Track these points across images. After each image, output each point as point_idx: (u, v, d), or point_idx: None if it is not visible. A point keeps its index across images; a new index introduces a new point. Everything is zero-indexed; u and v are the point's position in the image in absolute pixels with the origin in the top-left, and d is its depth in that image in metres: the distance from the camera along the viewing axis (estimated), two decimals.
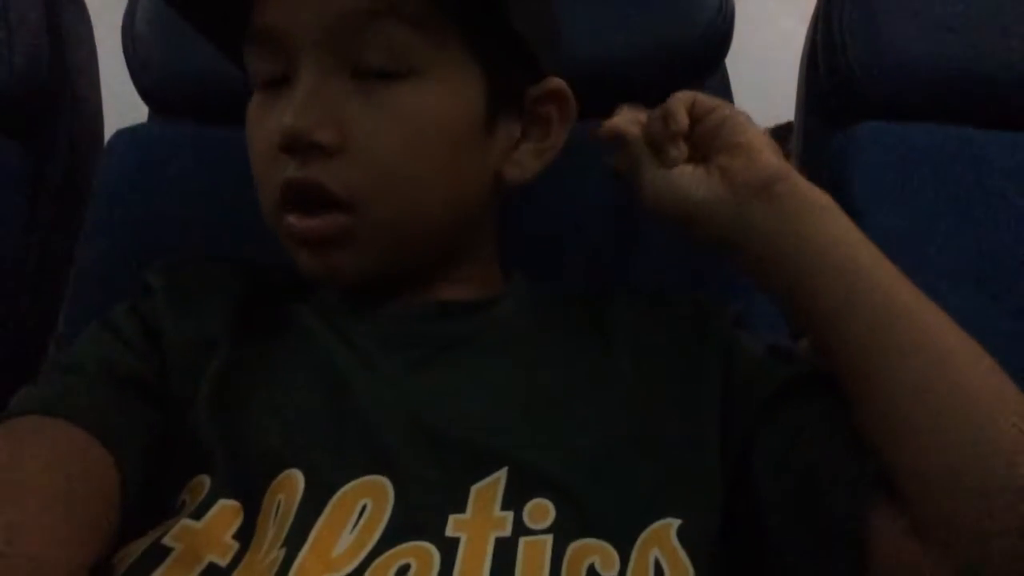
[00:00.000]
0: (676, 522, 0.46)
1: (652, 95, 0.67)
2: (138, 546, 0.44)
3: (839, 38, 0.81)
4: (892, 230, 0.73)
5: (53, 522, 0.40)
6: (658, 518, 0.46)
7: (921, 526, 0.42)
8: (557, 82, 0.57)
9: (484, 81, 0.53)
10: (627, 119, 0.57)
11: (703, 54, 0.75)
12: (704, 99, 0.55)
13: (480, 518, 0.44)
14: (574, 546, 0.44)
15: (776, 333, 0.69)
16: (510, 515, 0.44)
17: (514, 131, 0.57)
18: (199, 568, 0.42)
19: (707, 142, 0.54)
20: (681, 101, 0.54)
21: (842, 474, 0.45)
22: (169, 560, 0.42)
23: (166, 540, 0.43)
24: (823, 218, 0.49)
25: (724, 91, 0.85)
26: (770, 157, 0.51)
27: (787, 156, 0.72)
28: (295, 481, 0.45)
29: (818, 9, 0.88)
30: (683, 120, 0.54)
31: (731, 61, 0.82)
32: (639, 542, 0.45)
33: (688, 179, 0.53)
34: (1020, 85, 0.80)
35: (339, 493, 0.44)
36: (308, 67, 0.50)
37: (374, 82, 0.50)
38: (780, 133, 1.78)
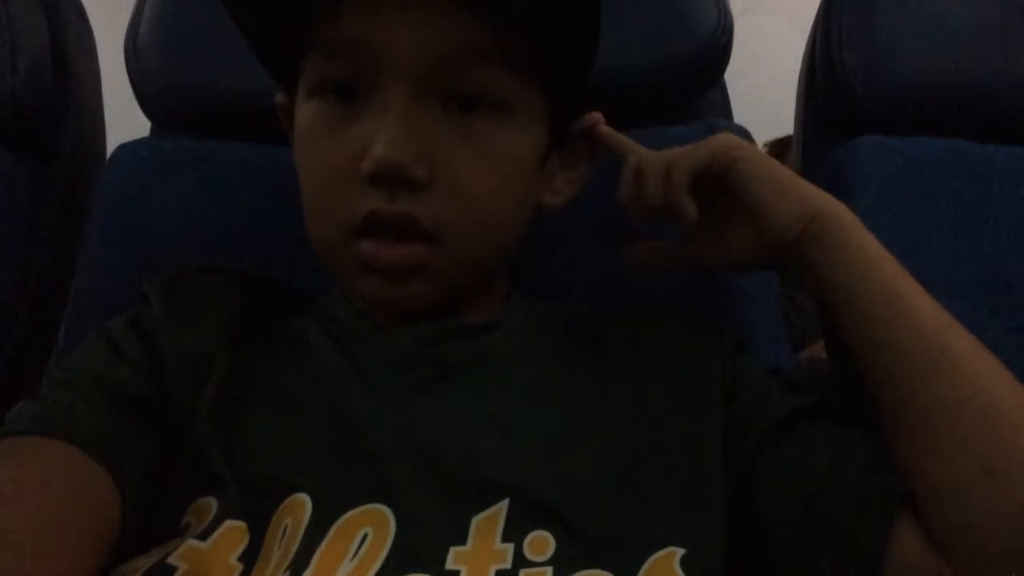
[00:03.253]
0: (679, 551, 0.46)
1: (653, 110, 0.68)
2: (142, 563, 0.43)
3: (838, 52, 0.82)
4: (891, 243, 0.73)
5: (51, 544, 0.39)
6: (661, 547, 0.46)
7: (944, 544, 0.43)
8: (595, 116, 0.60)
9: (549, 120, 0.54)
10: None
11: (703, 68, 0.76)
12: (710, 168, 0.55)
13: (481, 551, 0.44)
14: None
15: (777, 349, 0.69)
16: (510, 547, 0.44)
17: (556, 163, 0.58)
18: None
19: (728, 201, 0.55)
20: (681, 177, 0.55)
21: (861, 500, 0.46)
22: None
23: (171, 559, 0.43)
24: (850, 266, 0.51)
25: (724, 105, 0.85)
26: (780, 216, 0.53)
27: None
28: (303, 505, 0.45)
29: (817, 23, 0.88)
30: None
31: (731, 75, 0.82)
32: (642, 572, 0.45)
33: (723, 251, 0.58)
34: (1019, 98, 0.80)
35: (341, 520, 0.44)
36: (400, 93, 0.48)
37: (462, 115, 0.50)
38: (779, 147, 1.79)
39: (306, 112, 0.52)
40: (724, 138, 0.55)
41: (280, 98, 0.58)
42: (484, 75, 0.49)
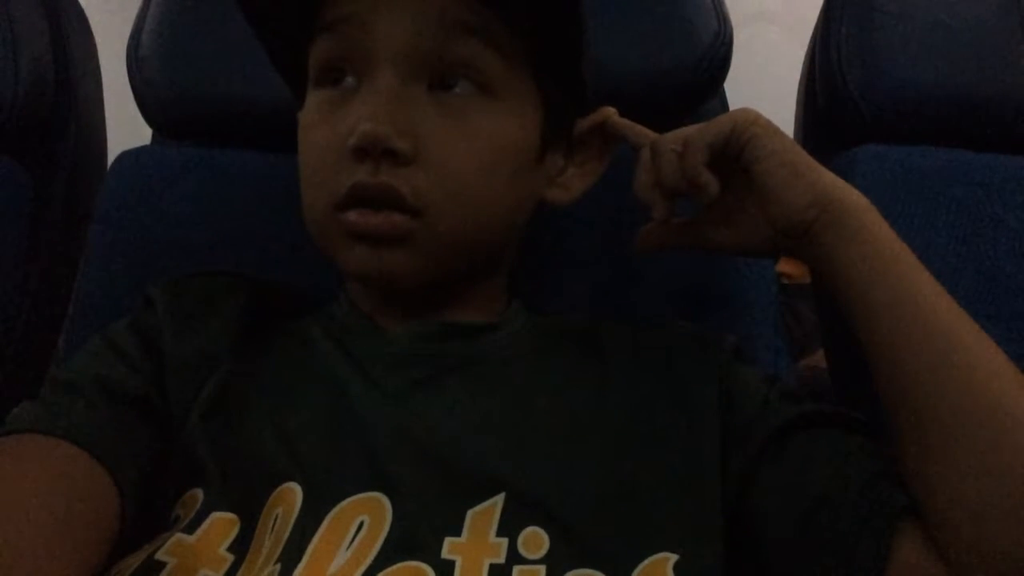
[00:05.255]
0: (673, 557, 0.46)
1: (652, 119, 0.68)
2: (131, 562, 0.44)
3: (837, 61, 0.82)
4: None
5: (51, 543, 0.40)
6: (655, 552, 0.46)
7: (949, 552, 0.43)
8: (608, 110, 0.59)
9: (543, 112, 0.55)
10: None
11: (702, 78, 0.76)
12: (728, 142, 0.53)
13: (475, 543, 0.44)
14: None
15: (777, 359, 0.69)
16: (504, 542, 0.44)
17: (558, 162, 0.59)
18: None
19: (743, 180, 0.54)
20: (698, 150, 0.53)
21: (864, 510, 0.45)
22: (162, 575, 0.42)
23: (159, 555, 0.43)
24: (865, 258, 0.49)
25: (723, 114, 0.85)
26: (793, 200, 0.51)
27: None
28: (294, 494, 0.45)
29: (816, 32, 0.89)
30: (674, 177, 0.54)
31: (730, 84, 0.82)
32: (635, 575, 0.45)
33: (734, 235, 0.56)
34: (1018, 108, 0.81)
35: (337, 508, 0.45)
36: (387, 71, 0.50)
37: (449, 96, 0.51)
38: None
39: (307, 104, 0.54)
40: (744, 111, 0.53)
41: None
42: (468, 50, 0.50)
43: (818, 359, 1.11)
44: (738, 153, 0.52)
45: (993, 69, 0.80)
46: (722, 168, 0.53)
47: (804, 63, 0.92)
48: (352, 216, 0.50)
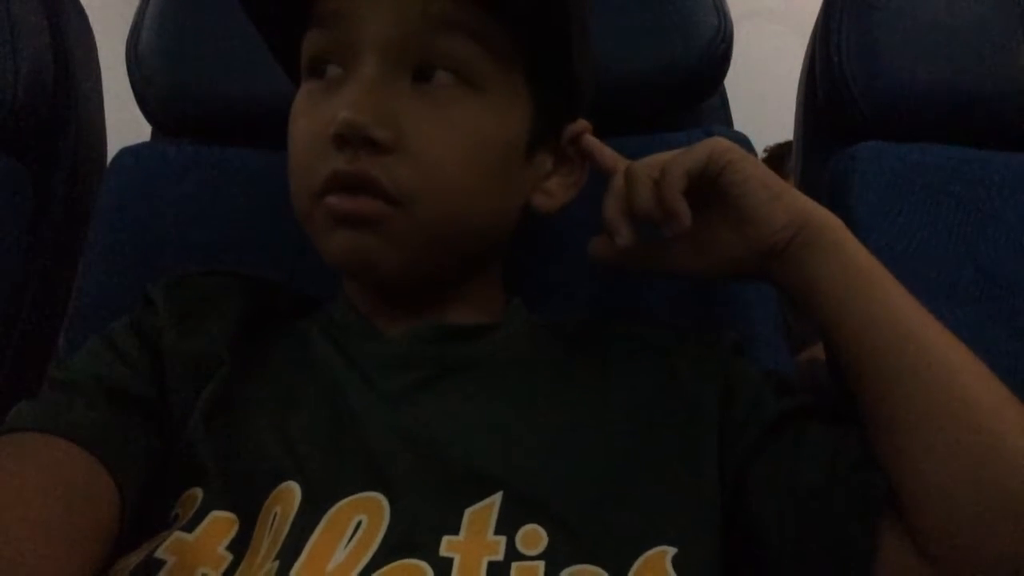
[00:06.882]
0: (671, 550, 0.46)
1: (652, 117, 0.68)
2: (131, 560, 0.44)
3: (837, 58, 0.82)
4: (891, 249, 0.74)
5: (51, 542, 0.40)
6: (653, 546, 0.46)
7: (928, 545, 0.44)
8: (584, 124, 0.60)
9: (532, 111, 0.55)
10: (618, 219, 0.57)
11: (703, 75, 0.76)
12: (705, 169, 0.54)
13: (473, 541, 0.44)
14: (567, 572, 0.44)
15: (776, 355, 0.70)
16: (503, 540, 0.45)
17: (547, 163, 0.59)
18: None
19: (719, 203, 0.55)
20: (677, 177, 0.54)
21: (850, 495, 0.47)
22: (161, 573, 0.43)
23: (159, 553, 0.43)
24: (844, 272, 0.52)
25: (723, 112, 0.85)
26: (772, 220, 0.53)
27: (786, 177, 0.72)
28: (292, 493, 0.45)
29: (816, 29, 0.88)
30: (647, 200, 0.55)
31: (730, 81, 0.82)
32: (633, 569, 0.45)
33: (699, 261, 0.58)
34: (1017, 105, 0.81)
35: (335, 507, 0.45)
36: (370, 62, 0.50)
37: (433, 89, 0.51)
38: (779, 152, 1.79)
39: (297, 96, 0.54)
40: (718, 140, 0.55)
41: None
42: (453, 44, 0.50)
43: (817, 351, 1.11)
44: (715, 178, 0.54)
45: (993, 67, 0.80)
46: (697, 193, 0.54)
47: (804, 60, 0.92)
48: (331, 199, 0.50)
